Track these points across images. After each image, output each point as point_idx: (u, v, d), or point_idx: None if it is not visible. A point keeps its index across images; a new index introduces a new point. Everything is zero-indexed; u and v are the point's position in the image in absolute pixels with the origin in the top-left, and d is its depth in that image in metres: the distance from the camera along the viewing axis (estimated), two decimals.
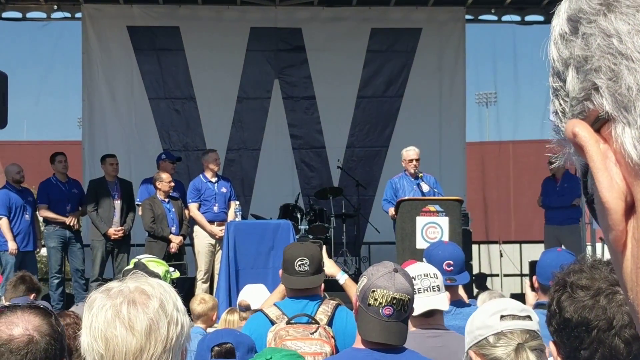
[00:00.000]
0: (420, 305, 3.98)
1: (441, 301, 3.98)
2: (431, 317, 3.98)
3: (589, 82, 0.77)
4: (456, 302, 4.76)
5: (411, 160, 11.10)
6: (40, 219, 12.62)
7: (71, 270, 12.03)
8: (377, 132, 14.74)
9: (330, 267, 5.08)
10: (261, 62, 14.55)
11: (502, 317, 2.55)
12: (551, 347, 1.98)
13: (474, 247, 13.99)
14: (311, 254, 4.45)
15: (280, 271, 4.55)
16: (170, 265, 5.25)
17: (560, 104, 0.83)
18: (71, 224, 11.57)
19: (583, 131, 0.78)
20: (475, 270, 14.00)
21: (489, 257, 15.46)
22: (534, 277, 4.45)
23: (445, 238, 9.80)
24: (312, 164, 14.61)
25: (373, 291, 3.23)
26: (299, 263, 4.41)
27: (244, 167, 14.46)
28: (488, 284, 14.43)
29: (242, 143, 14.50)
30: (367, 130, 14.72)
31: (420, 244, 9.89)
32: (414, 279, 3.98)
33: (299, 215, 12.33)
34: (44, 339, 2.33)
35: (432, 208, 10.13)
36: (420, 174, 11.12)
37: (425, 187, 11.05)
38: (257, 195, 14.28)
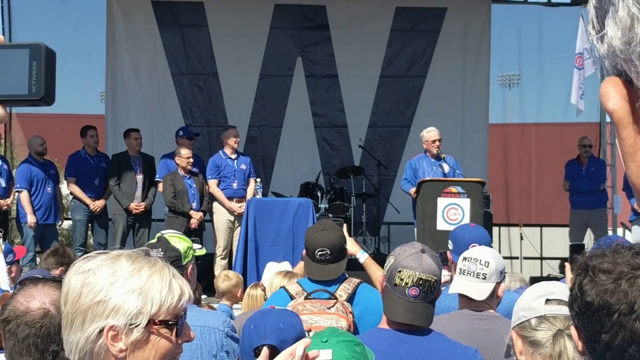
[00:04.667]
0: (456, 287, 3.99)
1: (479, 290, 3.93)
2: (476, 301, 3.95)
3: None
4: None
5: (434, 141, 11.02)
6: (66, 191, 12.66)
7: (94, 244, 12.09)
8: (400, 112, 14.68)
9: (351, 246, 5.05)
10: (284, 40, 14.49)
11: (547, 300, 2.54)
12: (572, 332, 1.97)
13: (495, 230, 13.93)
14: (332, 244, 4.40)
15: (304, 252, 4.53)
16: None
17: (598, 22, 0.79)
18: (94, 211, 11.61)
19: (618, 111, 0.75)
20: None
21: (509, 240, 15.40)
22: None
23: (466, 220, 9.76)
24: (333, 142, 14.58)
25: (399, 271, 3.21)
26: (319, 253, 4.38)
27: (265, 145, 14.45)
28: (507, 267, 14.37)
29: (263, 120, 14.48)
30: (390, 109, 14.67)
31: (441, 225, 9.87)
32: (465, 260, 3.97)
33: (319, 194, 12.32)
34: (61, 314, 2.33)
35: (453, 189, 10.09)
36: (443, 155, 11.06)
37: (446, 168, 10.98)
38: (278, 173, 14.29)
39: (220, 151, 11.57)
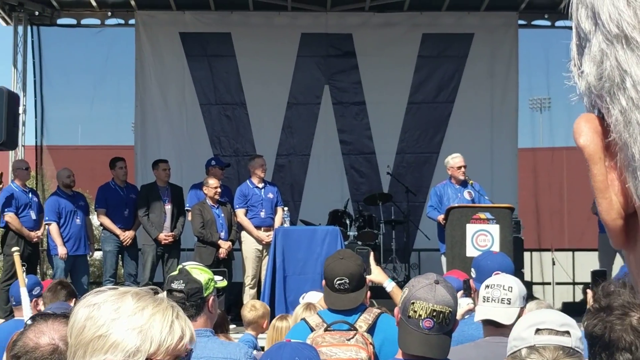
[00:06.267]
0: (482, 314, 3.97)
1: (506, 315, 3.91)
2: (503, 327, 3.91)
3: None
4: None
5: (460, 167, 10.98)
6: (97, 223, 12.76)
7: (124, 275, 12.15)
8: (428, 138, 14.65)
9: (378, 275, 5.04)
10: (311, 68, 14.57)
11: (537, 330, 2.51)
12: None
13: (526, 255, 13.81)
14: (350, 273, 4.38)
15: (323, 282, 4.52)
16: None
17: (578, 59, 0.79)
18: (124, 242, 11.68)
19: (589, 147, 0.74)
20: (527, 279, 13.83)
21: (541, 265, 15.26)
22: None
23: (496, 246, 9.70)
24: (361, 169, 14.58)
25: (413, 303, 3.18)
26: (338, 282, 4.37)
27: (294, 173, 14.49)
28: (540, 292, 14.26)
29: (291, 149, 14.53)
30: (418, 136, 14.65)
31: (471, 251, 9.80)
32: (488, 287, 3.96)
33: (347, 222, 12.29)
34: None
35: (482, 215, 10.03)
36: (471, 181, 11.02)
37: (470, 195, 10.93)
38: (306, 201, 14.29)
39: (248, 180, 11.61)
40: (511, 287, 3.99)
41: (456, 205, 10.41)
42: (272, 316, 7.34)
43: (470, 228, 9.96)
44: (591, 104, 0.77)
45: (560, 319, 2.56)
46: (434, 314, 3.16)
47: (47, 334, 2.48)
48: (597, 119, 0.76)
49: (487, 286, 4.03)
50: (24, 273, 6.59)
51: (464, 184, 11.03)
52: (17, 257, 6.70)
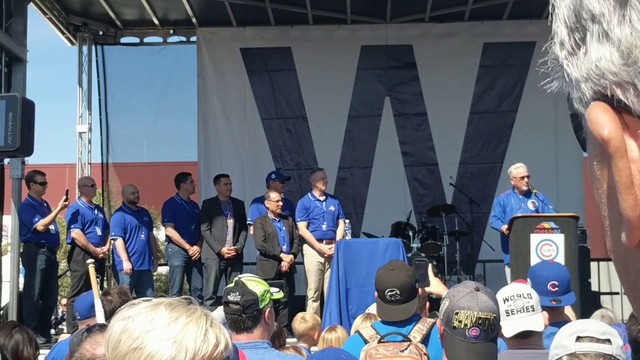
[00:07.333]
0: (513, 327, 3.88)
1: (536, 322, 3.84)
2: (529, 338, 3.84)
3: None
4: (561, 323, 4.60)
5: (523, 177, 10.87)
6: (162, 238, 12.92)
7: (190, 290, 12.24)
8: (491, 148, 14.51)
9: (437, 286, 4.99)
10: (372, 80, 14.55)
11: (578, 338, 2.49)
12: None
13: (593, 265, 13.54)
14: (401, 284, 4.36)
15: (376, 293, 4.49)
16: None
17: (572, 42, 0.75)
18: (193, 256, 11.79)
19: (615, 139, 0.70)
20: (594, 289, 13.57)
21: (609, 275, 14.96)
22: None
23: (561, 255, 9.56)
24: (424, 181, 14.49)
25: (456, 313, 3.14)
26: (389, 293, 4.34)
27: (356, 185, 14.47)
28: (607, 302, 13.97)
29: (353, 161, 14.52)
30: (481, 146, 14.52)
31: (535, 261, 9.64)
32: (507, 301, 3.88)
33: (411, 233, 12.21)
34: None
35: (546, 225, 9.88)
36: (535, 190, 10.89)
37: (534, 205, 10.79)
38: (369, 213, 14.26)
39: (309, 193, 11.63)
40: (530, 294, 3.94)
41: (520, 215, 10.28)
42: None
43: (535, 238, 9.82)
44: (596, 92, 0.72)
45: (601, 327, 2.53)
46: (480, 321, 3.11)
47: (104, 344, 2.51)
48: (612, 109, 0.71)
49: (506, 299, 3.91)
50: (99, 285, 6.64)
51: (527, 193, 10.91)
52: (92, 269, 6.75)
